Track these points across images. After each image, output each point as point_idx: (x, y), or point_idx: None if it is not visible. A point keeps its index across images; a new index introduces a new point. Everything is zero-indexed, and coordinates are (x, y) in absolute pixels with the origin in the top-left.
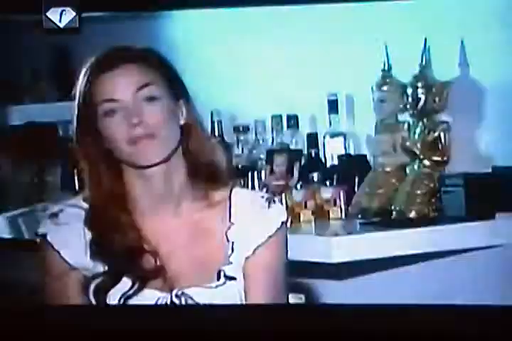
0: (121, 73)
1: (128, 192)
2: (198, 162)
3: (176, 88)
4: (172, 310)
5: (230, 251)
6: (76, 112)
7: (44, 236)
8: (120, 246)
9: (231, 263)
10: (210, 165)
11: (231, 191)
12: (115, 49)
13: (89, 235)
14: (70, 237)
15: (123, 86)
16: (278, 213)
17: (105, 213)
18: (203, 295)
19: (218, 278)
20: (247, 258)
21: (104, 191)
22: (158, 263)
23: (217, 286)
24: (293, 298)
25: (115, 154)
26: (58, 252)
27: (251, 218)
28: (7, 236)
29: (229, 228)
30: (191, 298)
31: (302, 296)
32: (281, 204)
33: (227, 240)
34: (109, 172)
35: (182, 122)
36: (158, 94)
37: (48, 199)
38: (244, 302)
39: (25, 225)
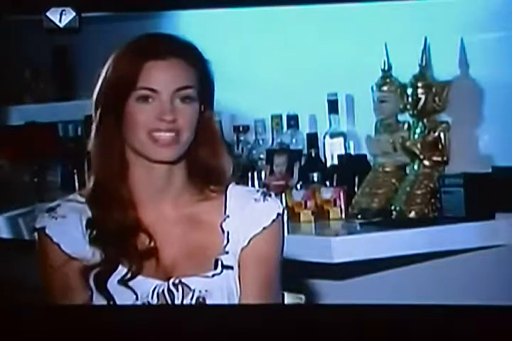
0: (169, 66)
1: (130, 177)
2: (204, 166)
3: (206, 92)
4: (171, 310)
5: (225, 241)
6: (106, 90)
7: (43, 229)
8: (117, 223)
9: (227, 252)
10: (216, 170)
11: (227, 186)
12: (163, 37)
13: (88, 214)
14: (67, 229)
15: (166, 80)
16: (273, 205)
17: (107, 189)
18: (199, 283)
19: (215, 267)
20: (242, 248)
21: (108, 169)
22: (152, 244)
23: (213, 275)
24: (293, 298)
25: (129, 139)
26: (58, 244)
27: (246, 210)
28: (7, 236)
29: (224, 220)
30: (188, 287)
31: (302, 296)
32: (278, 198)
33: (223, 231)
34: (117, 154)
35: (195, 126)
36: (195, 96)
37: (48, 199)
38: (238, 294)
39: (25, 225)
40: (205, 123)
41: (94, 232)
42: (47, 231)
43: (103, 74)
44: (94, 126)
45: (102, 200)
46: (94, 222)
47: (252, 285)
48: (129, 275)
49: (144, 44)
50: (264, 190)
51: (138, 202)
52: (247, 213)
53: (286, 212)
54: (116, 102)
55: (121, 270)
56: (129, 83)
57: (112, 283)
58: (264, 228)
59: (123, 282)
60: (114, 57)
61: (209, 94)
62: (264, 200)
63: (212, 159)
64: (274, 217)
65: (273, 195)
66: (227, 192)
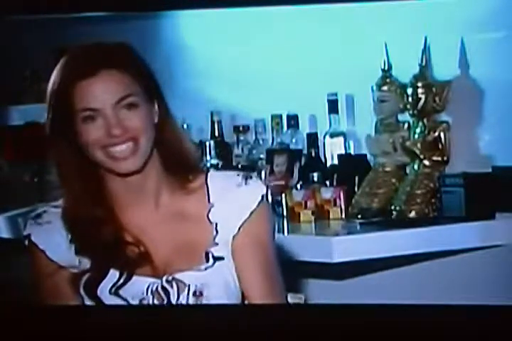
0: (101, 81)
1: (104, 188)
2: (170, 152)
3: (151, 88)
4: (171, 309)
5: (214, 233)
6: (50, 114)
7: (28, 236)
8: (99, 241)
9: (217, 244)
10: (182, 153)
11: (207, 175)
12: (88, 50)
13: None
14: (53, 235)
15: (103, 96)
16: (256, 188)
17: (79, 210)
18: (193, 278)
19: (207, 260)
20: (234, 236)
21: (76, 188)
22: (142, 250)
23: (206, 268)
24: (293, 298)
25: (91, 158)
26: (43, 251)
27: (229, 197)
28: (7, 236)
29: (209, 210)
30: (182, 282)
31: (302, 296)
32: (259, 179)
33: (210, 222)
34: (81, 169)
35: (156, 120)
36: (138, 101)
37: (48, 199)
38: (236, 283)
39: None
40: (161, 117)
41: (77, 246)
42: (32, 238)
43: (47, 98)
44: (51, 152)
45: (76, 222)
46: (74, 240)
47: (253, 271)
48: (121, 282)
49: (71, 63)
50: (245, 173)
51: (118, 209)
52: (232, 200)
53: (286, 212)
54: (65, 125)
55: (113, 276)
56: (69, 107)
57: (103, 292)
58: (251, 212)
59: (115, 290)
60: (51, 80)
61: (155, 91)
62: (246, 184)
63: (177, 142)
64: (259, 199)
65: (254, 176)
66: (208, 180)
